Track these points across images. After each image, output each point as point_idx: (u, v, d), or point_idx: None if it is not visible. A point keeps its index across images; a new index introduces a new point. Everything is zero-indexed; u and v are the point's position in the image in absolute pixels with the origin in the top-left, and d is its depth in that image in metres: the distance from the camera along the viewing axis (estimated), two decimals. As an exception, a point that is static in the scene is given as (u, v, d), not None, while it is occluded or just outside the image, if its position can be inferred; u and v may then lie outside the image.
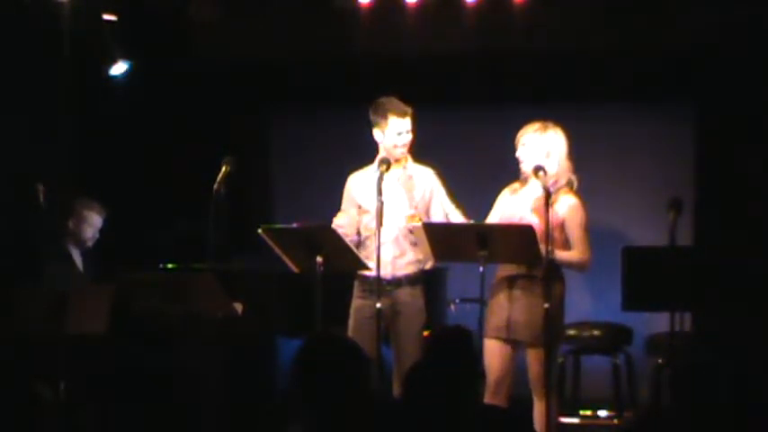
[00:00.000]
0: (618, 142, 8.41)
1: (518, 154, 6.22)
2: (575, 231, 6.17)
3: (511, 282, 6.16)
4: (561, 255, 6.10)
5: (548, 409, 6.05)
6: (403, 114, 6.35)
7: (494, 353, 6.16)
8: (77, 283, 7.19)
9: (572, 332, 7.51)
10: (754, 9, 7.70)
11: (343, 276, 6.44)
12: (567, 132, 6.25)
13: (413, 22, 7.97)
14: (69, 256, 7.38)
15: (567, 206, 6.18)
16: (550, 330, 6.02)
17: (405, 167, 6.43)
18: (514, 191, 6.30)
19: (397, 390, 6.22)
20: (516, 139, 6.24)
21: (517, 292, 6.13)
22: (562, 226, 6.16)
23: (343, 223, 6.36)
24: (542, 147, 6.17)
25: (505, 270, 6.20)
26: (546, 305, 5.96)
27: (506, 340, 6.16)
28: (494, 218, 6.30)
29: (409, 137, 6.37)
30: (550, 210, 6.01)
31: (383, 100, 6.41)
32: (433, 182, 6.46)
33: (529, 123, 6.25)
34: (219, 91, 8.52)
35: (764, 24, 7.70)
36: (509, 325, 6.13)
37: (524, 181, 6.26)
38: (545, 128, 6.21)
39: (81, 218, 7.38)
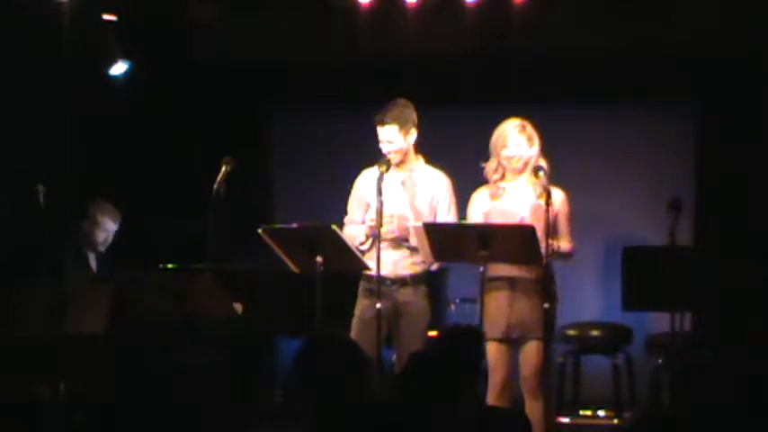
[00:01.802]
0: (618, 142, 8.41)
1: (512, 153, 6.21)
2: (566, 223, 6.25)
3: (510, 283, 6.16)
4: (562, 246, 6.16)
5: (547, 408, 6.13)
6: (384, 123, 6.32)
7: (499, 354, 6.17)
8: (84, 282, 7.19)
9: (572, 332, 7.51)
10: (754, 9, 7.70)
11: (344, 276, 6.43)
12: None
13: (413, 22, 7.97)
14: (85, 258, 7.38)
15: (559, 200, 6.24)
16: (550, 329, 6.06)
17: (412, 170, 6.41)
18: (495, 195, 6.28)
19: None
20: (500, 139, 6.24)
21: (517, 293, 6.13)
22: (556, 219, 6.19)
23: (354, 233, 6.34)
24: (529, 144, 6.21)
25: (500, 270, 6.19)
26: (546, 305, 5.97)
27: (509, 341, 6.17)
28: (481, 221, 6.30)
29: (390, 146, 6.30)
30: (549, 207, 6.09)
31: (388, 104, 6.39)
32: (443, 189, 6.43)
33: (506, 122, 6.26)
34: (219, 91, 8.51)
35: (764, 24, 7.70)
36: (510, 325, 6.14)
37: (499, 180, 6.26)
38: (525, 125, 6.27)
39: (94, 221, 7.38)
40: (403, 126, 6.31)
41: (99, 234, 7.38)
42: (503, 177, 6.28)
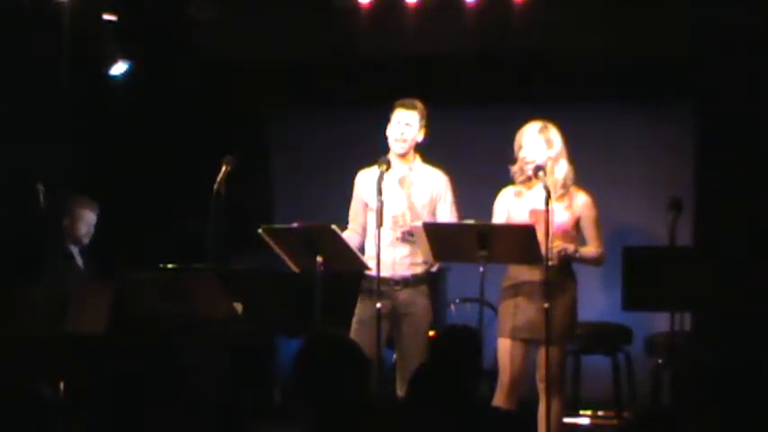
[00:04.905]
0: (618, 142, 8.41)
1: (523, 155, 6.20)
2: (591, 228, 6.22)
3: (530, 284, 6.15)
4: (584, 251, 6.16)
5: (560, 407, 6.15)
6: (408, 107, 6.34)
7: (513, 353, 6.16)
8: (79, 281, 7.19)
9: (572, 332, 7.51)
10: (753, 9, 7.70)
11: (344, 276, 6.43)
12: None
13: (413, 22, 7.97)
14: (71, 255, 7.39)
15: (583, 204, 6.23)
16: (561, 329, 6.09)
17: (411, 169, 6.42)
18: (519, 194, 6.28)
19: (400, 390, 6.21)
20: (518, 141, 6.23)
21: (537, 294, 6.12)
22: (577, 223, 6.18)
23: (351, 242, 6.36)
24: (547, 146, 6.19)
25: (521, 273, 6.20)
26: (546, 305, 5.96)
27: (525, 340, 6.17)
28: (500, 221, 6.29)
29: (408, 130, 6.32)
30: (570, 209, 6.14)
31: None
32: (442, 187, 6.43)
33: (528, 124, 6.25)
34: (219, 91, 8.52)
35: (764, 24, 7.70)
36: (530, 325, 6.12)
37: (528, 182, 6.24)
38: (546, 127, 6.23)
39: (75, 216, 7.38)
40: (422, 118, 6.36)
41: (81, 227, 7.38)
42: (529, 179, 6.23)
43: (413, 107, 6.35)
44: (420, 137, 6.38)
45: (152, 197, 8.29)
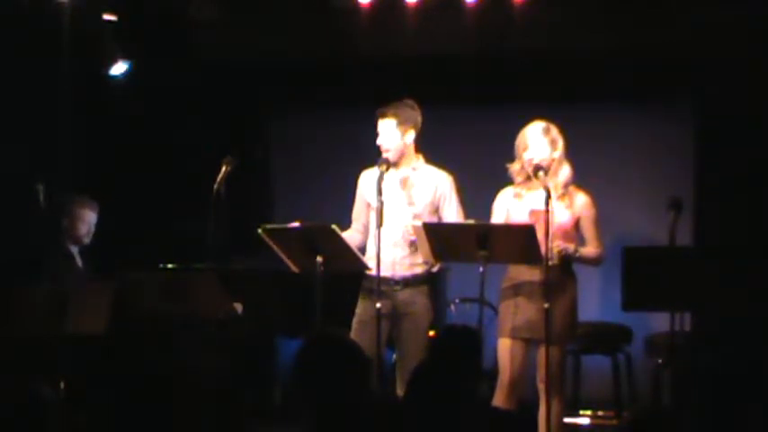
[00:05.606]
0: (618, 142, 8.41)
1: (529, 155, 6.19)
2: (591, 227, 6.23)
3: (530, 284, 6.15)
4: (583, 251, 6.17)
5: (560, 408, 6.15)
6: (381, 116, 6.34)
7: (513, 352, 6.16)
8: (79, 281, 7.19)
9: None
10: (753, 9, 7.70)
11: (344, 276, 6.43)
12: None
13: (413, 22, 7.97)
14: (70, 255, 7.38)
15: (582, 203, 6.23)
16: (561, 329, 6.08)
17: (414, 169, 6.41)
18: (518, 195, 6.28)
19: (400, 390, 6.21)
20: (522, 141, 6.23)
21: (537, 294, 6.12)
22: (577, 223, 6.18)
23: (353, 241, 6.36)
24: (552, 147, 6.19)
25: (521, 274, 6.20)
26: (546, 305, 5.96)
27: (526, 340, 6.16)
28: (499, 221, 6.28)
29: (384, 139, 6.31)
30: (570, 209, 6.15)
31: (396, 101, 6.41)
32: (447, 188, 6.41)
33: (530, 124, 6.25)
34: (219, 91, 8.52)
35: (764, 24, 7.70)
36: (530, 325, 6.12)
37: (527, 183, 6.24)
38: (549, 127, 6.23)
39: (74, 216, 7.37)
40: (402, 123, 6.31)
41: (81, 227, 7.36)
42: (529, 179, 6.23)
43: (383, 115, 6.32)
44: (408, 139, 6.35)
45: (152, 197, 8.29)
